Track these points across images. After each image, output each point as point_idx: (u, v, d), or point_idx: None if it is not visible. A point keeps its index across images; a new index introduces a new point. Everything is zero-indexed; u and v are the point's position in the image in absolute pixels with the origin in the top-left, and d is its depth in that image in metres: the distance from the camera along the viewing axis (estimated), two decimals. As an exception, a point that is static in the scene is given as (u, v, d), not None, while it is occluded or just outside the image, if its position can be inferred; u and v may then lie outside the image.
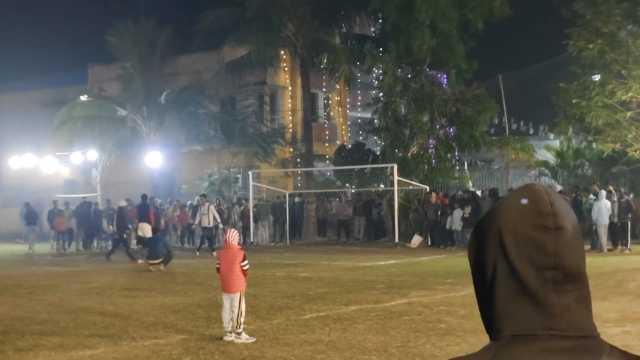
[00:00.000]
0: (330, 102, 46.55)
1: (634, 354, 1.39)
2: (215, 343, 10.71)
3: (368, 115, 37.33)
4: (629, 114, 27.15)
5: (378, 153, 36.46)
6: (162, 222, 29.77)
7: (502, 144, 34.66)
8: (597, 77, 28.49)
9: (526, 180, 34.92)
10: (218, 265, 11.21)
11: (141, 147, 39.19)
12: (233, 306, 10.85)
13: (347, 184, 36.14)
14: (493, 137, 36.42)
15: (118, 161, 40.07)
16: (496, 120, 38.57)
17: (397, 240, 29.46)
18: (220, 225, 29.05)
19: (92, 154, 39.80)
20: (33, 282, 19.24)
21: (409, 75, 33.84)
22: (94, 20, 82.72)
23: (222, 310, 11.03)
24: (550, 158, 35.53)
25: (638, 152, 27.48)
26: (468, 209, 27.66)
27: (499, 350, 1.36)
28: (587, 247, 24.35)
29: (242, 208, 33.75)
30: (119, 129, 39.99)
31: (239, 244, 11.34)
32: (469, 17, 32.28)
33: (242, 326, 10.83)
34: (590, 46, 27.06)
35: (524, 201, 1.39)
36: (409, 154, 32.99)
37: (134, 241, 28.63)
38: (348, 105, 46.78)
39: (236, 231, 11.83)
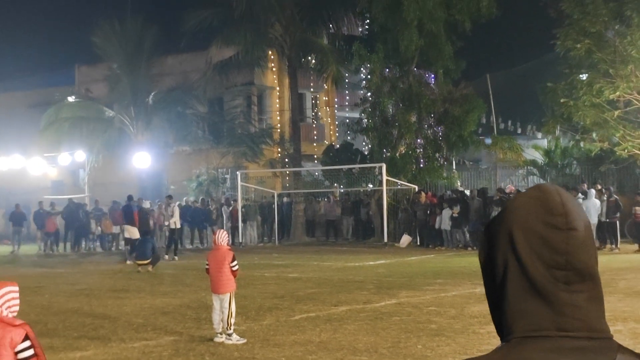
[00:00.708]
0: (318, 102, 46.54)
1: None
2: (205, 344, 10.68)
3: (356, 115, 37.29)
4: (616, 112, 27.17)
5: (366, 153, 36.43)
6: (151, 222, 29.56)
7: (491, 144, 34.73)
8: (584, 77, 28.51)
9: (514, 180, 35.03)
10: (207, 266, 11.17)
11: (129, 147, 38.99)
12: (223, 307, 10.81)
13: (335, 184, 36.12)
14: (481, 137, 36.47)
15: (106, 162, 39.86)
16: (484, 120, 38.61)
17: (385, 240, 29.44)
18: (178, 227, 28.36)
19: (80, 155, 39.58)
20: (20, 283, 18.84)
21: (397, 75, 33.84)
22: (80, 20, 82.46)
23: (212, 311, 10.99)
24: (539, 157, 35.57)
25: (626, 151, 27.51)
26: (457, 209, 27.72)
27: (510, 351, 1.35)
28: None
29: (230, 208, 33.67)
30: (106, 129, 39.77)
31: (228, 244, 11.30)
32: (457, 17, 32.29)
33: (232, 327, 10.80)
34: (578, 46, 27.06)
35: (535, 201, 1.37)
36: (397, 154, 33.00)
37: (122, 242, 28.44)
38: (336, 105, 46.73)
39: (225, 232, 11.80)
